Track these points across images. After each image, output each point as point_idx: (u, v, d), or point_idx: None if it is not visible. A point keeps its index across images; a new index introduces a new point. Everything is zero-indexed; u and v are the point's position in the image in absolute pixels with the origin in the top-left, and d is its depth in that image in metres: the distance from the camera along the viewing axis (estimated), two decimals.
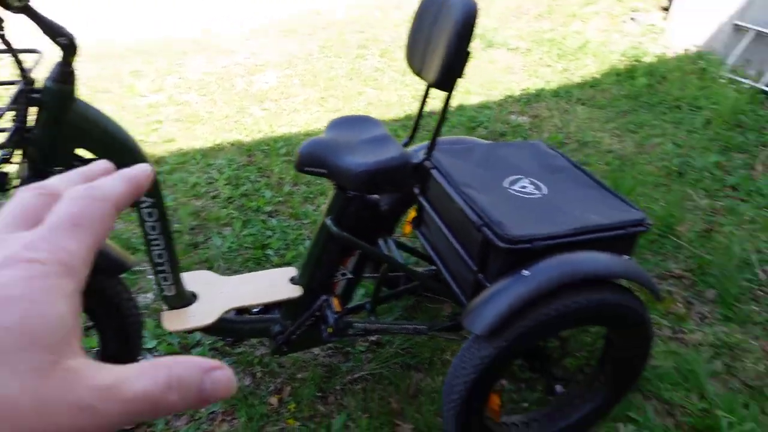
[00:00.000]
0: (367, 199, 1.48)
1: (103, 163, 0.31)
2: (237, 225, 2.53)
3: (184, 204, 2.67)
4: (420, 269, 2.03)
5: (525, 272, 1.26)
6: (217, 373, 0.24)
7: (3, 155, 1.10)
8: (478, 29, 5.35)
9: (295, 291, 1.55)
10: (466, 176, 1.52)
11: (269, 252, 2.39)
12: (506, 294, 1.25)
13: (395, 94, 4.11)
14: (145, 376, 0.23)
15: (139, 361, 0.24)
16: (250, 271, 2.28)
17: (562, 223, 1.33)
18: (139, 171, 0.29)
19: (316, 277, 1.54)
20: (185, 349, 1.90)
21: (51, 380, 0.21)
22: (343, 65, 4.62)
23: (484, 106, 3.95)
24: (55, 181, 0.28)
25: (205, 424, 1.66)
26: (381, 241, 1.70)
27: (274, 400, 1.73)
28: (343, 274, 1.56)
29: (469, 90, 4.19)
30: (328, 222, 1.45)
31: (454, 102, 3.98)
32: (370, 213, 1.50)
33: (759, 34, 4.26)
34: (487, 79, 4.40)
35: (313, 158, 1.37)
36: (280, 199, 2.76)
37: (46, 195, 0.27)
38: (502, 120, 3.72)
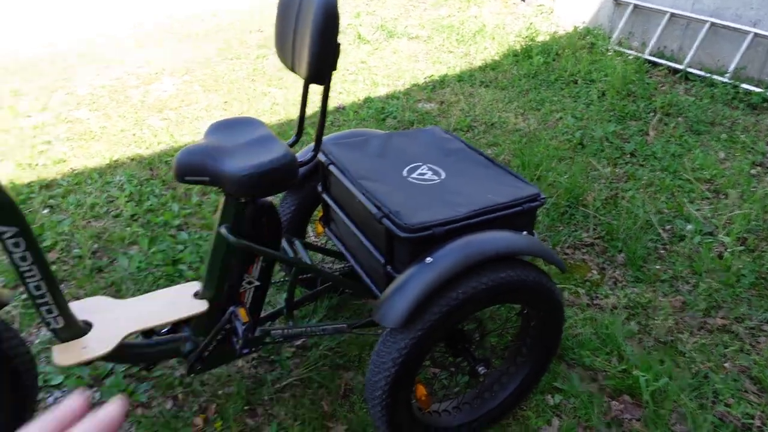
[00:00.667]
0: (260, 203, 1.41)
1: (76, 401, 0.31)
2: (144, 243, 2.37)
3: (82, 227, 2.48)
4: (336, 267, 1.99)
5: (428, 259, 1.24)
6: None
7: None
8: (377, 20, 5.37)
9: (200, 306, 1.46)
10: (364, 168, 1.50)
11: (182, 267, 2.26)
12: (412, 283, 1.23)
13: (301, 92, 4.02)
14: None
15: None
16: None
17: (461, 206, 1.33)
18: (112, 410, 0.29)
19: (220, 289, 1.46)
20: (97, 380, 1.76)
21: None
22: (244, 67, 4.48)
23: (391, 97, 3.95)
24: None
25: None
26: (286, 244, 1.64)
27: (198, 420, 1.64)
28: (249, 283, 1.49)
29: (376, 81, 4.18)
30: (223, 231, 1.37)
31: (362, 94, 3.95)
32: (267, 216, 1.44)
33: (636, 6, 4.53)
34: (392, 70, 4.41)
35: (192, 166, 1.28)
36: (189, 210, 2.63)
37: None
38: (410, 109, 3.73)
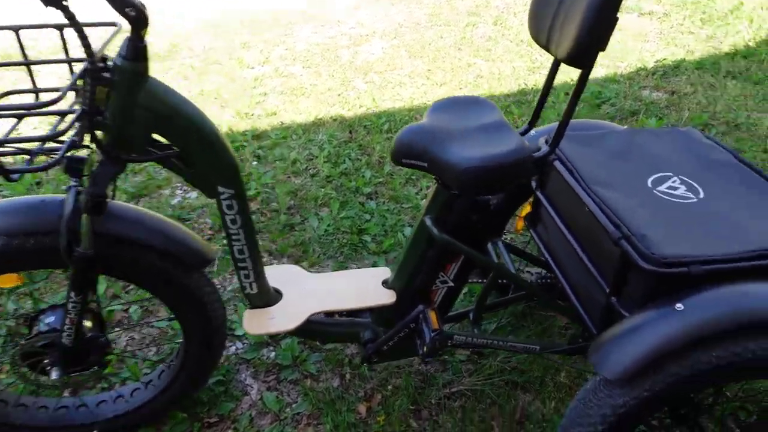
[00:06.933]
0: (476, 199, 1.25)
1: None
2: (335, 206, 2.40)
3: (282, 182, 2.58)
4: (532, 271, 1.77)
5: (678, 306, 0.98)
6: None
7: (71, 140, 0.99)
8: None
9: (388, 297, 1.37)
10: (598, 171, 1.24)
11: (366, 238, 2.23)
12: (651, 332, 0.98)
13: (509, 65, 3.76)
14: None
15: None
16: (345, 258, 2.15)
17: (732, 241, 1.02)
18: None
19: (412, 283, 1.35)
20: (274, 339, 1.81)
21: None
22: (452, 34, 4.32)
23: (610, 80, 3.50)
24: None
25: (289, 426, 1.55)
26: (489, 245, 1.47)
27: (362, 408, 1.59)
28: (443, 282, 1.36)
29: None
30: (428, 222, 1.24)
31: (575, 74, 3.56)
32: (479, 215, 1.27)
33: None
34: (614, 49, 3.91)
35: (412, 148, 1.16)
36: (381, 179, 2.59)
37: None
38: (632, 96, 3.26)
